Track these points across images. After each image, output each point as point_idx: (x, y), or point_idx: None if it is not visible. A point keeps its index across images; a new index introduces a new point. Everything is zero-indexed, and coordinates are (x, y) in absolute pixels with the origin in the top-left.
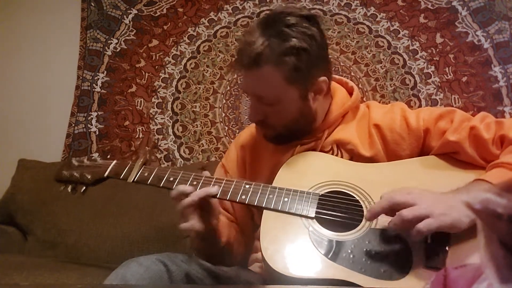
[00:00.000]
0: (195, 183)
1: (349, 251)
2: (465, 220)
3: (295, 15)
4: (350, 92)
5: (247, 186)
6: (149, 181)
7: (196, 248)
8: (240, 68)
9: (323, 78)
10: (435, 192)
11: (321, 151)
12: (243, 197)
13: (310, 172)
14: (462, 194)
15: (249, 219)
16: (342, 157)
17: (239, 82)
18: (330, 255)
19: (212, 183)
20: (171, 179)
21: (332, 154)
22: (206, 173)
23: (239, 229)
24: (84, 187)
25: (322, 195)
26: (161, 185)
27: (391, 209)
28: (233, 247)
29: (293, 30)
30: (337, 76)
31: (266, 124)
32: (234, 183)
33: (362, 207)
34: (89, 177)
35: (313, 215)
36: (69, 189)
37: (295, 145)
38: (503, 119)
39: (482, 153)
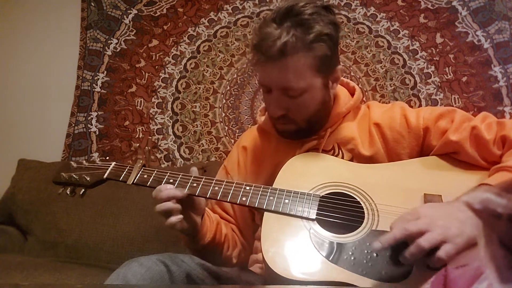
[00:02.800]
0: (194, 185)
1: (350, 253)
2: (477, 233)
3: (311, 5)
4: (352, 93)
5: (247, 188)
6: (148, 183)
7: (184, 244)
8: (264, 61)
9: (340, 66)
10: (441, 206)
11: (322, 150)
12: (244, 199)
13: (311, 173)
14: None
15: (250, 220)
16: (343, 157)
17: (239, 82)
18: (331, 257)
19: (212, 185)
20: (171, 181)
21: (333, 154)
22: (194, 170)
23: (238, 230)
24: (83, 190)
25: (322, 196)
26: None
27: (406, 239)
28: (223, 245)
29: (315, 18)
30: None
31: (288, 119)
32: (234, 184)
33: (363, 209)
34: (88, 179)
35: (314, 217)
36: (68, 191)
37: (297, 142)
38: (504, 119)
39: (483, 153)
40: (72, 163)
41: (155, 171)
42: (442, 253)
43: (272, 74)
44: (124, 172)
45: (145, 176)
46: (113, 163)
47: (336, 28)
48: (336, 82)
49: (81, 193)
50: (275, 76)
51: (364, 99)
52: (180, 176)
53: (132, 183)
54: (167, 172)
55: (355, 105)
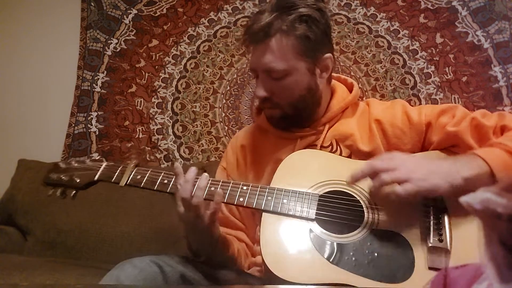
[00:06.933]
0: None
1: (351, 253)
2: (444, 185)
3: None
4: (350, 89)
5: (244, 188)
6: (142, 184)
7: (194, 251)
8: (250, 43)
9: (329, 54)
10: (418, 157)
11: (320, 146)
12: (241, 199)
13: (309, 171)
14: (448, 161)
15: (254, 219)
16: (341, 153)
17: (239, 82)
18: (332, 259)
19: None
20: (165, 181)
21: (331, 150)
22: (177, 166)
23: (246, 235)
24: (74, 191)
25: (321, 195)
26: (155, 188)
27: (373, 174)
28: (236, 261)
29: (301, 2)
30: (335, 74)
31: (273, 103)
32: (231, 185)
33: (362, 207)
34: (78, 180)
35: (313, 216)
36: (58, 193)
37: (295, 138)
38: (504, 111)
39: (484, 143)
40: (61, 163)
41: (149, 171)
42: (400, 189)
43: (256, 55)
44: (117, 173)
45: (139, 176)
46: (104, 163)
47: (322, 15)
48: (326, 71)
49: (72, 194)
50: (258, 57)
51: (364, 98)
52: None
53: (125, 184)
54: (161, 172)
55: (353, 101)
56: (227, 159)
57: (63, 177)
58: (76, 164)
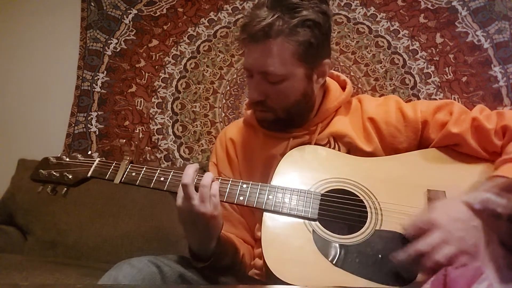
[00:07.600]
0: None
1: (355, 255)
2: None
3: None
4: (343, 86)
5: (244, 186)
6: (137, 182)
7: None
8: (248, 41)
9: (327, 60)
10: (456, 212)
11: (316, 144)
12: (241, 198)
13: (310, 168)
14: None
15: (254, 217)
16: (339, 150)
17: (239, 82)
18: (335, 261)
19: None
20: (162, 179)
21: (329, 147)
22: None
23: (248, 232)
24: (66, 188)
25: (323, 194)
26: (152, 186)
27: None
28: (241, 264)
29: (304, 4)
30: None
31: (266, 106)
32: (230, 182)
33: (365, 207)
34: (70, 177)
35: (316, 217)
36: (48, 190)
37: (287, 138)
38: (502, 110)
39: (484, 144)
40: (51, 158)
41: (144, 168)
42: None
43: (253, 55)
44: (110, 170)
45: (134, 174)
46: (97, 160)
47: (326, 18)
48: (323, 77)
49: (63, 192)
50: (256, 58)
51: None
52: (172, 173)
53: (120, 182)
54: (157, 169)
55: (347, 100)
56: (217, 155)
57: (54, 173)
58: (67, 160)
